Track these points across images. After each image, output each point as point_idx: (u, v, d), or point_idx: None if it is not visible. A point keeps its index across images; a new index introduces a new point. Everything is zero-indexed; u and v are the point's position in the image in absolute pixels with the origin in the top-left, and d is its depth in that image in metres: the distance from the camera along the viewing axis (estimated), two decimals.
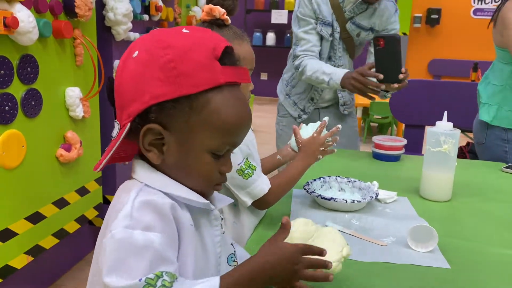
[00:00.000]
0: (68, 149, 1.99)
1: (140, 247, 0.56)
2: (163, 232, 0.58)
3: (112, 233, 0.57)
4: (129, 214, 0.58)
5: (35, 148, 1.81)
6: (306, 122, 1.88)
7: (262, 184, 1.04)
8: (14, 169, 1.70)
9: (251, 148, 1.12)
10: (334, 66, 1.80)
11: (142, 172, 0.65)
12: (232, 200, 0.78)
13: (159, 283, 0.55)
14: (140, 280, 0.54)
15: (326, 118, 1.23)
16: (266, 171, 1.27)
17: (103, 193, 2.42)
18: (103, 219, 0.66)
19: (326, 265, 0.66)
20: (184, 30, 0.63)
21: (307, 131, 1.20)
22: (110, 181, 2.51)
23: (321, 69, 1.71)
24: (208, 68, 0.60)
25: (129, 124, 0.61)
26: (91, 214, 2.28)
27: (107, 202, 2.52)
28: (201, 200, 0.65)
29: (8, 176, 1.68)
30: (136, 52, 0.61)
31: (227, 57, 0.62)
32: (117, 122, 0.63)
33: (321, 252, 0.66)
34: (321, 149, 1.16)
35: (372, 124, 5.45)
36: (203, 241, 0.68)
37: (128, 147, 0.68)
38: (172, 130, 0.61)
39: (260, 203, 1.06)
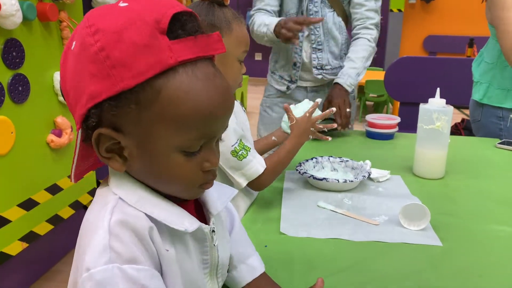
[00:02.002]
0: (58, 134, 1.97)
1: (125, 284, 0.48)
2: (147, 261, 0.50)
3: (90, 273, 0.48)
4: (107, 245, 0.48)
5: (24, 134, 1.78)
6: (292, 95, 1.83)
7: (257, 165, 1.03)
8: (3, 156, 1.68)
9: (245, 130, 1.11)
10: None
11: (116, 181, 0.54)
12: (234, 194, 0.67)
13: None
14: None
15: (319, 100, 1.22)
16: (260, 153, 1.26)
17: (97, 178, 2.41)
18: None
19: None
20: (121, 4, 0.49)
21: (297, 111, 1.21)
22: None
23: (263, 22, 1.64)
24: (150, 48, 0.46)
25: (80, 132, 0.52)
26: (85, 199, 2.27)
27: None
28: (183, 224, 0.54)
29: None
30: (74, 43, 0.50)
31: (179, 27, 0.48)
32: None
33: None
34: (312, 129, 1.17)
35: (367, 102, 5.44)
36: (192, 261, 0.59)
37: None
38: (126, 133, 0.50)
39: (255, 184, 1.05)
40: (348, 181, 1.17)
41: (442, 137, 1.26)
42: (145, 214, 0.52)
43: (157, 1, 0.49)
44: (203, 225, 0.58)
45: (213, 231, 0.61)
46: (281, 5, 1.75)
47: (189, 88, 0.48)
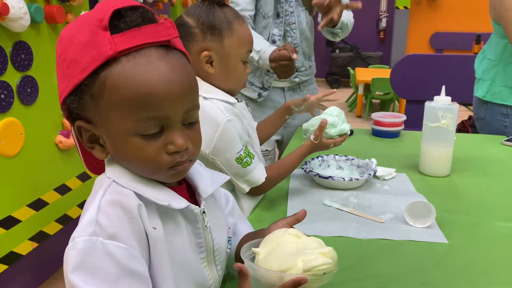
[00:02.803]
0: (67, 135, 1.99)
1: (104, 258, 0.51)
2: (129, 240, 0.53)
3: (74, 242, 0.52)
4: (94, 219, 0.53)
5: (33, 135, 1.81)
6: (267, 99, 1.66)
7: (259, 173, 1.04)
8: (13, 157, 1.71)
9: (251, 133, 1.11)
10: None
11: (110, 167, 0.60)
12: (225, 179, 0.70)
13: None
14: None
15: (349, 131, 1.17)
16: (274, 130, 1.31)
17: None
18: None
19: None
20: (82, 12, 0.57)
21: (333, 124, 1.13)
22: None
23: None
24: (92, 45, 0.52)
25: (72, 130, 0.59)
26: None
27: None
28: (168, 199, 0.58)
29: (8, 164, 1.68)
30: None
31: (122, 21, 0.52)
32: None
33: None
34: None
35: (374, 100, 5.42)
36: (183, 240, 0.61)
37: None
38: (94, 123, 0.56)
39: (255, 191, 1.07)
40: (353, 179, 1.17)
41: (447, 135, 1.26)
42: (135, 192, 0.56)
43: (107, 2, 0.53)
44: (193, 205, 0.61)
45: (204, 212, 0.64)
46: (256, 7, 1.61)
47: (129, 74, 0.52)
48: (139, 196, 0.56)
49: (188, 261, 0.62)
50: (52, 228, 1.98)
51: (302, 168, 1.25)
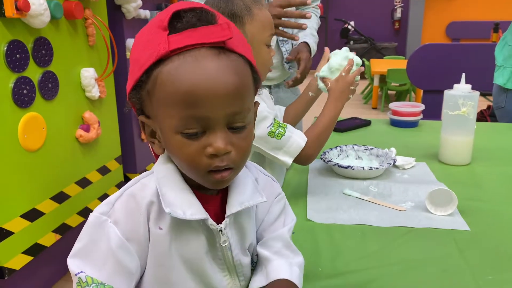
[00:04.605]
0: (87, 129, 2.03)
1: (102, 237, 0.56)
2: (129, 233, 0.57)
3: (91, 214, 0.58)
4: (113, 201, 0.58)
5: (55, 129, 1.84)
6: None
7: (297, 139, 1.02)
8: (36, 151, 1.74)
9: (274, 109, 1.10)
10: None
11: (159, 160, 0.62)
12: (257, 202, 0.63)
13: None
14: (76, 274, 0.56)
15: (352, 55, 1.13)
16: (302, 112, 1.24)
17: (124, 172, 2.46)
18: None
19: None
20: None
21: (334, 59, 1.11)
22: (130, 160, 2.55)
23: None
24: (151, 43, 0.54)
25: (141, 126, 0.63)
26: (113, 192, 2.32)
27: (128, 180, 2.57)
28: (181, 210, 0.57)
29: (31, 158, 1.72)
30: None
31: (179, 21, 0.54)
32: None
33: None
34: (351, 88, 1.10)
35: (389, 92, 5.37)
36: (199, 247, 0.60)
37: None
38: (150, 117, 0.58)
39: (301, 159, 1.04)
40: (373, 169, 1.17)
41: (468, 123, 1.25)
42: (157, 190, 0.58)
43: (174, 5, 0.55)
44: (210, 221, 0.59)
45: (221, 230, 0.60)
46: None
47: (175, 71, 0.53)
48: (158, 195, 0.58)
49: (204, 268, 0.61)
50: (74, 220, 2.02)
51: (321, 158, 1.26)
